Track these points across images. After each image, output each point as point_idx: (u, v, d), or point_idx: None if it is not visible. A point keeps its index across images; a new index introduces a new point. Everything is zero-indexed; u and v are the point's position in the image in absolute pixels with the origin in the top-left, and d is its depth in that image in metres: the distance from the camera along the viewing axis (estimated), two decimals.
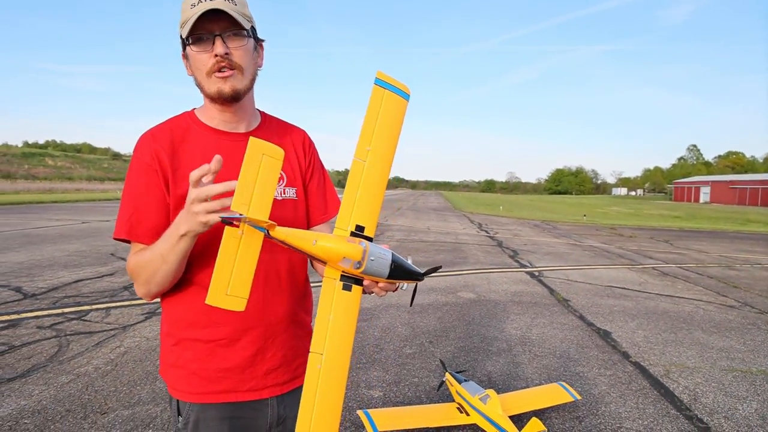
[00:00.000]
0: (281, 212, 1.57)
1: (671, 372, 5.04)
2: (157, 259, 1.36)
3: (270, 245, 1.31)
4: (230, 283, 1.12)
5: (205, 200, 1.19)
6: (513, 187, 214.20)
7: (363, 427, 3.59)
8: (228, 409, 1.55)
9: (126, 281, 8.24)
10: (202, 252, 1.46)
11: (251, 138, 1.12)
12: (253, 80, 1.56)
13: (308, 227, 1.73)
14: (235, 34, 1.45)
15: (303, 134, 1.76)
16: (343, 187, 1.33)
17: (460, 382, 3.82)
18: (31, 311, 6.32)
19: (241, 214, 1.10)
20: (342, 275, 1.29)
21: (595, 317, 7.07)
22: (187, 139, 1.53)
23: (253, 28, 1.52)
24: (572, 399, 3.93)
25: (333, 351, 1.26)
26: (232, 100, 1.50)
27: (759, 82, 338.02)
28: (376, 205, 1.35)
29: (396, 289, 1.41)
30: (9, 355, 4.81)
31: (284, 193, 1.62)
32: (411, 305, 1.74)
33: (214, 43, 1.42)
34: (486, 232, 20.40)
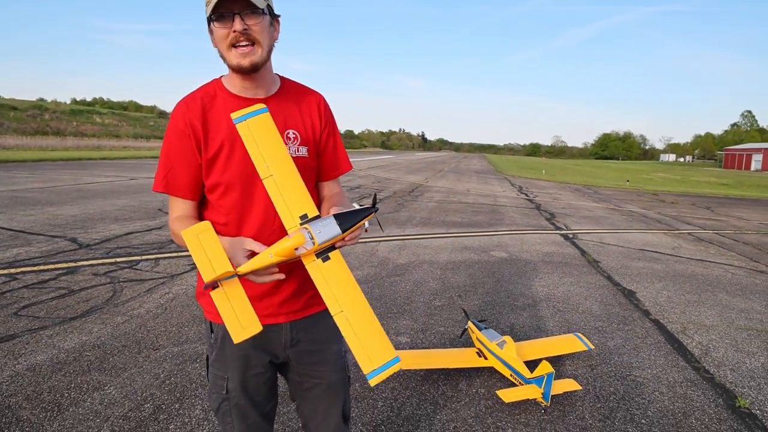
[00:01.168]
0: None
1: (688, 329, 5.21)
2: None
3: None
4: (240, 320, 1.44)
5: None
6: (559, 152, 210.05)
7: None
8: None
9: None
10: (235, 198, 1.77)
11: (183, 232, 1.46)
12: (269, 52, 1.76)
13: (318, 182, 1.99)
14: (252, 12, 1.66)
15: (319, 98, 1.96)
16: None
17: (480, 329, 4.09)
18: (87, 260, 6.80)
19: (213, 279, 1.43)
20: (315, 253, 1.56)
21: (622, 278, 7.22)
22: (214, 105, 1.78)
23: (269, 6, 1.73)
24: (586, 348, 4.16)
25: (348, 302, 1.55)
26: (251, 71, 1.73)
27: None
28: (303, 193, 1.63)
29: (366, 230, 1.68)
30: (69, 297, 5.28)
31: (297, 151, 1.83)
32: (383, 231, 2.05)
33: (233, 21, 1.64)
34: (525, 195, 20.42)
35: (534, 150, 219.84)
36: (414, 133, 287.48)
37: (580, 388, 3.56)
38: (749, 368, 4.32)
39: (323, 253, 1.56)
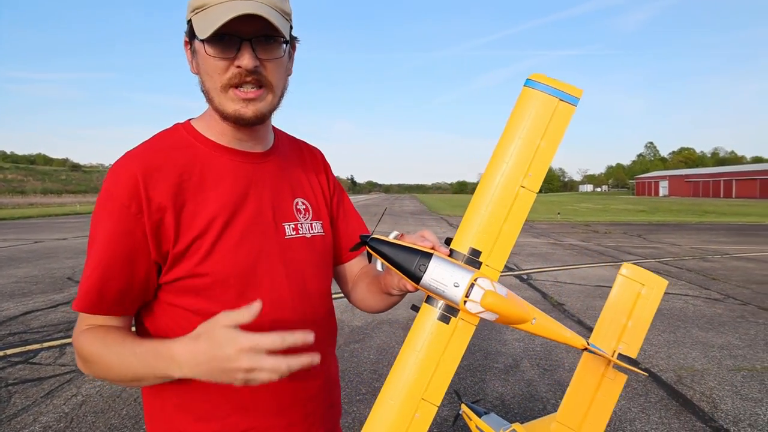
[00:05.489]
0: (311, 252, 1.29)
1: (683, 378, 4.91)
2: (127, 372, 1.03)
3: (312, 306, 1.26)
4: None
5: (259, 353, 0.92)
6: None
7: None
8: None
9: None
10: (228, 299, 1.14)
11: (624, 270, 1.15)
12: (281, 97, 1.20)
13: (336, 264, 1.48)
14: (268, 42, 1.09)
15: (320, 154, 1.49)
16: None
17: (479, 415, 3.55)
18: None
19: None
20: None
21: (593, 321, 6.90)
22: (194, 163, 1.15)
23: (290, 27, 1.18)
24: None
25: None
26: (254, 124, 1.17)
27: (707, 83, 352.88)
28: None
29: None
30: None
31: (312, 229, 1.32)
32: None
33: (239, 50, 1.07)
34: None
35: (461, 188, 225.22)
36: (343, 176, 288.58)
37: None
38: (766, 420, 4.02)
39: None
